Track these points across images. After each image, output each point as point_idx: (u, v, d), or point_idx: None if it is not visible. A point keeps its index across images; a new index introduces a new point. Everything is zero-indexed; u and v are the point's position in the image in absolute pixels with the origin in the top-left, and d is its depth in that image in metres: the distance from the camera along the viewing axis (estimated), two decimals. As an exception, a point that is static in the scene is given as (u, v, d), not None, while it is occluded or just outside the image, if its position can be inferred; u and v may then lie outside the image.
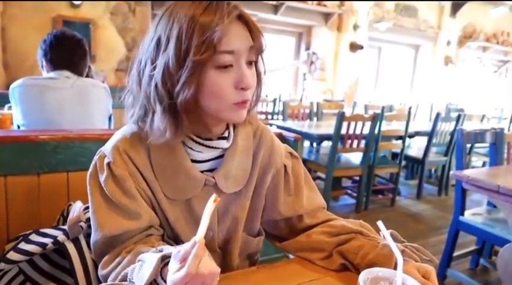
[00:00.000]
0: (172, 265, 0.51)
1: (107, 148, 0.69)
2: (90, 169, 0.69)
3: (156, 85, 0.62)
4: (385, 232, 0.64)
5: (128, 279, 0.57)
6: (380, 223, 0.65)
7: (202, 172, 0.71)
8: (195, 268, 0.48)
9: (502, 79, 8.04)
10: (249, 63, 0.66)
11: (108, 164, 0.66)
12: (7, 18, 3.58)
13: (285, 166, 0.80)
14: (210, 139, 0.70)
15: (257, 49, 0.65)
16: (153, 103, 0.63)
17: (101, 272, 0.65)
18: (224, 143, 0.72)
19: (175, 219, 0.71)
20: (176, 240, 0.72)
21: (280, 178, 0.80)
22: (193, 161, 0.70)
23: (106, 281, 0.63)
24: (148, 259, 0.56)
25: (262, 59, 0.70)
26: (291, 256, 0.82)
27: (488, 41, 7.15)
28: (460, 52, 6.96)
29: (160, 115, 0.62)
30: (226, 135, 0.73)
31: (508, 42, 7.35)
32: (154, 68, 0.62)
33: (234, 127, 0.75)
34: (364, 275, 0.59)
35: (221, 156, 0.73)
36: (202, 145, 0.70)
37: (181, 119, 0.63)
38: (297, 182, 0.81)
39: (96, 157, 0.69)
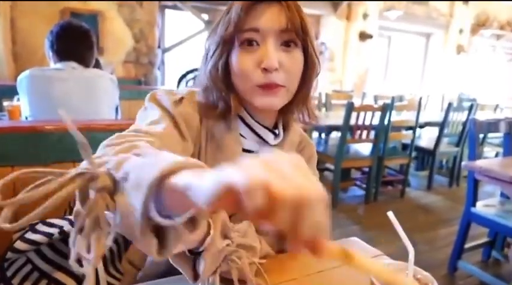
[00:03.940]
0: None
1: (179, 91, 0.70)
2: (148, 97, 0.67)
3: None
4: (396, 224, 0.62)
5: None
6: (390, 214, 0.63)
7: None
8: None
9: (516, 68, 7.86)
10: (286, 45, 0.64)
11: (182, 98, 0.67)
12: (16, 10, 3.59)
13: None
14: (258, 124, 0.70)
15: (294, 31, 0.63)
16: (202, 75, 0.70)
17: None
18: (271, 138, 0.71)
19: None
20: None
21: None
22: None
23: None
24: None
25: (314, 48, 0.67)
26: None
27: (502, 28, 6.97)
28: (472, 40, 6.79)
29: (202, 89, 0.69)
30: (276, 131, 0.72)
31: (523, 29, 7.16)
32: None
33: (284, 129, 0.75)
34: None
35: None
36: (249, 127, 0.70)
37: (217, 94, 0.67)
38: None
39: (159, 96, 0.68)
